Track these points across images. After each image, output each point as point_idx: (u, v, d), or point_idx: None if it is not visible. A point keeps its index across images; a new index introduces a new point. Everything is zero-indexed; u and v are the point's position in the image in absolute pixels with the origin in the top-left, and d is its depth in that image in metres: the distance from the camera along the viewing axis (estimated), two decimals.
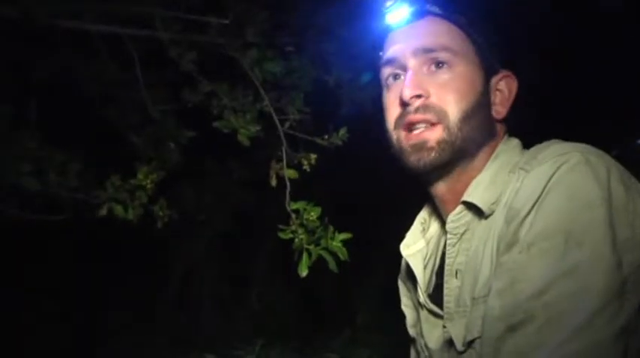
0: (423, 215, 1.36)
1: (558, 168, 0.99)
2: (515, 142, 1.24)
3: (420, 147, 1.17)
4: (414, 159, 1.18)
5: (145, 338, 5.09)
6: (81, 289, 5.02)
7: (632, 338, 0.94)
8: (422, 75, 1.18)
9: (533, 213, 0.99)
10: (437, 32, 1.18)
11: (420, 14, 1.20)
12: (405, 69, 1.20)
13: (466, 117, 1.15)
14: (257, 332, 5.12)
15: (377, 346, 4.98)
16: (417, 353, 1.38)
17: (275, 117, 2.80)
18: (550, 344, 0.91)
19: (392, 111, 1.21)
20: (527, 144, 1.24)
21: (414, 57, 1.19)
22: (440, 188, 1.24)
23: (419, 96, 1.17)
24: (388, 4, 1.22)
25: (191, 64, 2.87)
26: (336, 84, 2.92)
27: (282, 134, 2.78)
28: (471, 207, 1.16)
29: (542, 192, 0.99)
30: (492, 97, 1.21)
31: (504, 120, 1.24)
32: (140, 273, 5.11)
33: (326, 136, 2.82)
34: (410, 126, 1.18)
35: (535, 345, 0.93)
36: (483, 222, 1.14)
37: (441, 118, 1.16)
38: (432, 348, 1.26)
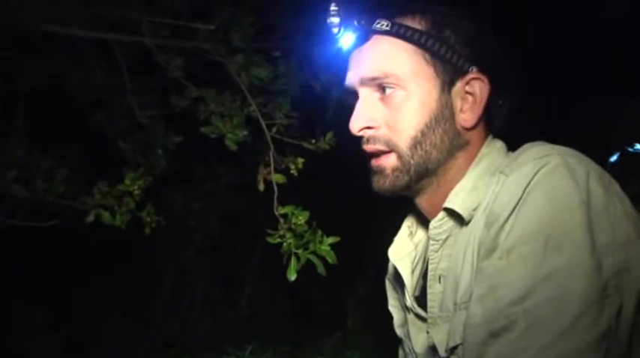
0: (410, 219, 1.34)
1: (537, 171, 0.98)
2: (498, 145, 1.21)
3: (380, 172, 1.16)
4: (375, 185, 1.17)
5: (135, 342, 5.08)
6: (71, 295, 5.01)
7: (612, 341, 0.93)
8: (372, 102, 1.16)
9: (512, 217, 0.98)
10: (380, 56, 1.14)
11: (366, 36, 1.16)
12: (357, 96, 1.18)
13: (418, 141, 1.13)
14: (247, 336, 5.11)
15: (367, 348, 4.98)
16: (405, 354, 1.38)
17: (262, 122, 2.80)
18: (532, 349, 0.91)
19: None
20: (515, 145, 1.23)
21: (362, 85, 1.16)
22: (419, 201, 1.23)
23: (368, 128, 1.15)
24: (335, 30, 1.17)
25: (178, 70, 2.88)
26: (323, 88, 2.91)
27: (269, 139, 2.78)
28: (452, 213, 1.15)
29: (521, 196, 0.98)
30: (460, 104, 1.15)
31: (488, 123, 1.20)
32: (131, 278, 5.10)
33: (313, 141, 2.82)
34: (369, 155, 1.17)
35: (517, 351, 0.92)
36: (465, 228, 1.13)
37: (391, 146, 1.14)
38: (418, 352, 1.27)
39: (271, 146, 2.77)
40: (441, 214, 1.17)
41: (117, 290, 5.06)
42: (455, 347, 1.09)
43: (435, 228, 1.17)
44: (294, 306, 5.71)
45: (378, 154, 1.16)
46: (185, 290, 5.74)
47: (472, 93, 1.15)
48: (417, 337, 1.27)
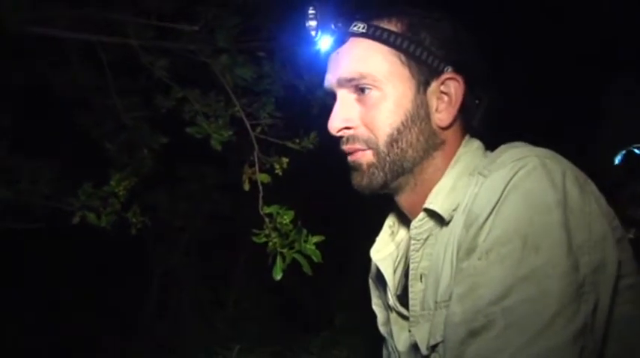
0: (391, 219, 1.37)
1: (515, 173, 1.00)
2: (476, 145, 1.23)
3: (356, 168, 1.20)
4: (354, 182, 1.21)
5: (123, 344, 5.06)
6: (58, 297, 4.98)
7: (588, 338, 0.96)
8: (349, 103, 1.19)
9: (491, 218, 1.00)
10: (357, 58, 1.17)
11: (343, 39, 1.19)
12: (335, 97, 1.21)
13: (394, 139, 1.16)
14: (235, 336, 5.11)
15: (355, 347, 4.99)
16: (389, 353, 1.40)
17: (247, 122, 2.81)
18: (510, 348, 0.93)
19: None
20: (495, 144, 1.24)
21: (340, 87, 1.19)
22: (398, 200, 1.26)
23: (347, 128, 1.19)
24: (313, 33, 1.21)
25: (163, 71, 2.88)
26: (307, 88, 2.93)
27: (253, 139, 2.79)
28: (432, 214, 1.18)
29: (499, 198, 1.00)
30: (435, 104, 1.18)
31: (465, 122, 1.22)
32: (117, 279, 5.08)
33: (297, 140, 2.84)
34: (347, 152, 1.21)
35: (496, 350, 0.94)
36: (445, 228, 1.16)
37: (369, 144, 1.17)
38: (400, 350, 1.29)
39: (256, 146, 2.78)
40: (422, 214, 1.20)
41: (104, 292, 5.05)
42: (436, 345, 1.12)
43: (415, 228, 1.20)
44: (281, 306, 5.71)
45: (355, 152, 1.19)
46: (172, 290, 5.72)
47: (447, 93, 1.18)
48: (399, 335, 1.29)
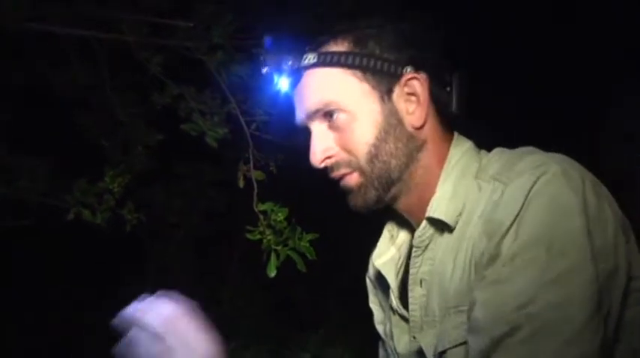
0: (390, 224, 1.37)
1: (537, 180, 1.00)
2: (467, 145, 1.22)
3: (349, 192, 1.21)
4: (350, 205, 1.22)
5: (118, 341, 5.06)
6: (53, 293, 4.98)
7: (606, 345, 0.96)
8: (323, 133, 1.19)
9: (515, 225, 0.99)
10: (316, 88, 1.18)
11: (298, 75, 1.20)
12: (310, 132, 1.22)
13: (373, 155, 1.16)
14: (231, 333, 5.11)
15: (351, 344, 5.00)
16: (387, 355, 1.39)
17: (242, 119, 2.81)
18: (539, 355, 0.92)
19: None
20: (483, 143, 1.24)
21: (310, 120, 1.20)
22: (397, 207, 1.26)
23: (328, 157, 1.19)
24: (270, 78, 1.23)
25: (158, 68, 2.88)
26: None
27: (248, 135, 2.79)
28: (435, 221, 1.17)
29: (522, 205, 1.00)
30: (405, 107, 1.17)
31: (441, 118, 1.22)
32: (112, 276, 5.08)
33: (292, 138, 2.84)
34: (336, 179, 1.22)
35: (523, 357, 0.94)
36: (448, 232, 1.16)
37: (352, 166, 1.18)
38: (400, 353, 1.28)
39: (251, 143, 2.78)
40: (425, 223, 1.19)
41: (98, 289, 5.04)
42: (443, 352, 1.11)
43: (419, 236, 1.20)
44: (277, 303, 5.71)
45: (343, 177, 1.20)
46: (167, 287, 5.71)
47: (413, 93, 1.17)
48: (399, 338, 1.29)
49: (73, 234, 3.59)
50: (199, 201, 5.15)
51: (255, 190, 2.68)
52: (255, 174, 2.72)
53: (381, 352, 1.45)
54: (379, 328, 1.44)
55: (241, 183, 2.77)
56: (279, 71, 1.21)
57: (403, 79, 1.17)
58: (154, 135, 3.11)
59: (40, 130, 3.58)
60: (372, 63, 1.16)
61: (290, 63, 1.19)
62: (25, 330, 4.83)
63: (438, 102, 1.20)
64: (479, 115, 1.29)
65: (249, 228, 2.57)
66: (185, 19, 2.79)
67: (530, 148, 1.14)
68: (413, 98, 1.17)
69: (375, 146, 1.16)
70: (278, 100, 1.27)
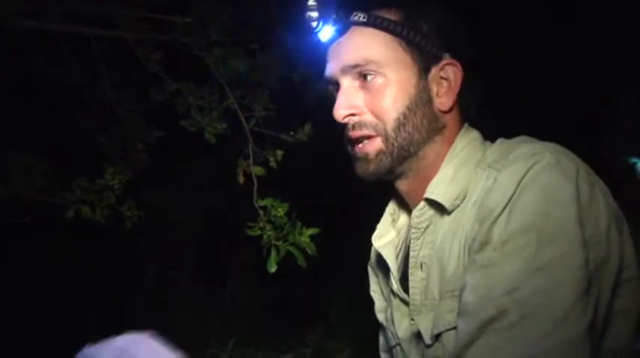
0: (392, 206, 1.37)
1: (530, 167, 1.01)
2: (474, 134, 1.24)
3: (363, 159, 1.20)
4: (359, 171, 1.21)
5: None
6: (53, 292, 4.98)
7: (594, 333, 0.97)
8: (354, 90, 1.20)
9: (506, 212, 1.00)
10: (360, 45, 1.19)
11: (344, 28, 1.21)
12: (339, 85, 1.22)
13: (401, 123, 1.17)
14: (231, 330, 5.12)
15: (351, 339, 5.01)
16: (387, 340, 1.40)
17: (241, 115, 2.81)
18: (525, 340, 0.93)
19: (339, 124, 1.24)
20: (490, 134, 1.25)
21: (344, 74, 1.20)
22: (400, 186, 1.26)
23: (352, 114, 1.19)
24: (314, 24, 1.22)
25: (157, 64, 2.88)
26: (301, 80, 2.93)
27: (248, 131, 2.79)
28: (433, 203, 1.18)
29: (514, 192, 1.01)
30: (436, 89, 1.20)
31: (462, 107, 1.24)
32: (113, 274, 5.09)
33: (292, 133, 2.84)
34: (353, 141, 1.21)
35: (508, 340, 0.94)
36: (447, 217, 1.17)
37: (377, 130, 1.18)
38: (401, 337, 1.29)
39: (250, 139, 2.78)
40: (422, 204, 1.21)
41: (99, 287, 5.05)
42: (439, 335, 1.12)
43: (417, 217, 1.21)
44: (277, 299, 5.72)
45: (361, 140, 1.20)
46: (168, 284, 5.73)
47: (447, 78, 1.20)
48: (400, 322, 1.29)
49: (72, 234, 3.59)
50: (198, 197, 5.16)
51: (255, 186, 2.68)
52: (255, 170, 2.72)
53: (381, 340, 1.46)
54: (380, 316, 1.45)
55: (241, 179, 2.77)
56: (325, 20, 1.22)
57: (441, 63, 1.19)
58: (152, 132, 3.11)
59: (39, 128, 3.57)
60: (418, 38, 1.18)
61: (340, 14, 1.21)
62: (23, 329, 4.83)
63: (463, 94, 1.22)
64: (479, 115, 1.31)
65: (249, 223, 2.57)
66: (183, 15, 2.79)
67: (527, 137, 1.15)
68: (445, 83, 1.20)
69: (405, 115, 1.17)
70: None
